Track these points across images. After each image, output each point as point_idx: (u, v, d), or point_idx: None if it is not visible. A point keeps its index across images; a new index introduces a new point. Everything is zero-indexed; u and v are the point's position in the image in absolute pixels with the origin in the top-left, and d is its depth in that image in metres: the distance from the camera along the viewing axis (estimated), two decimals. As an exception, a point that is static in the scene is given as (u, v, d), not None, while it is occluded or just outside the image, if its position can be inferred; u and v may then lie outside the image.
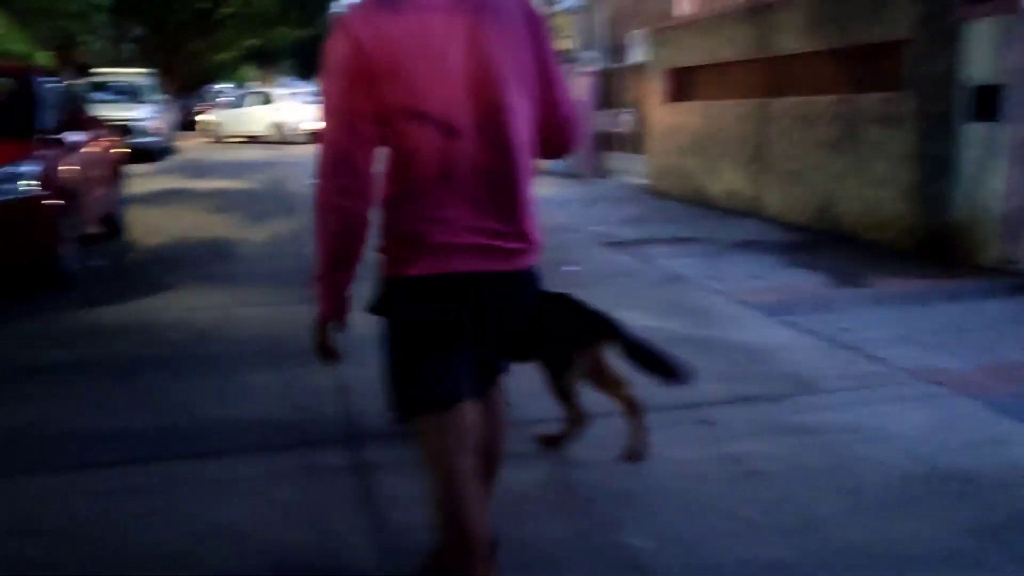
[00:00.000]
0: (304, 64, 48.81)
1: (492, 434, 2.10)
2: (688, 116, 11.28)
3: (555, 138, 2.01)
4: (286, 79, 68.35)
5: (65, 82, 8.69)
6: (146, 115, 18.68)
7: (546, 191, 12.90)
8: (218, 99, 35.78)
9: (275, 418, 3.74)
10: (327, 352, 1.95)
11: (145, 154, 18.62)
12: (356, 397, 3.87)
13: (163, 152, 19.17)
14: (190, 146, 23.57)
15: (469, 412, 1.93)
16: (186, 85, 42.88)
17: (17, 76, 7.08)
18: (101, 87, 19.70)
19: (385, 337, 1.92)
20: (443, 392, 1.88)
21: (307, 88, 60.05)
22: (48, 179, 5.94)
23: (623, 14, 20.16)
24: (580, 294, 3.37)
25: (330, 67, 1.78)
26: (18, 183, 5.58)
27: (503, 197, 1.87)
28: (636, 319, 5.29)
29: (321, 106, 1.82)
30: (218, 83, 57.44)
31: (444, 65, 1.76)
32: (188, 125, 38.81)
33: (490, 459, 2.11)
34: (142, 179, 14.28)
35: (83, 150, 7.16)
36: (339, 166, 1.79)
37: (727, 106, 10.30)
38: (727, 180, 10.29)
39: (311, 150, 3.09)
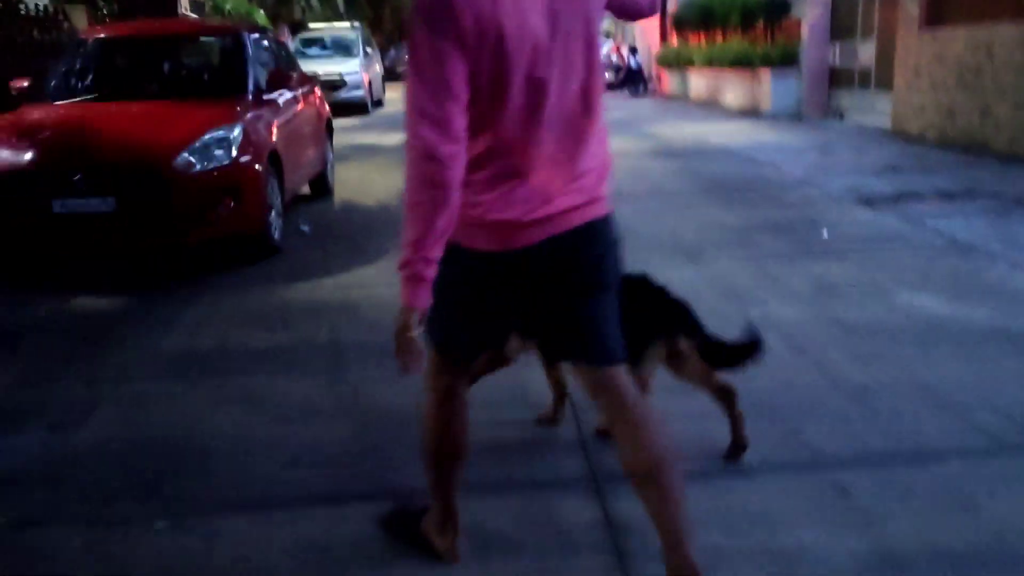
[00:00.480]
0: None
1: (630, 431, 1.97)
2: (951, 43, 9.60)
3: (631, 8, 2.03)
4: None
5: (278, 39, 8.55)
6: (355, 69, 18.85)
7: (769, 136, 11.86)
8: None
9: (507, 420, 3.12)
10: (411, 350, 1.81)
11: (354, 107, 18.90)
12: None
13: (371, 105, 19.34)
14: (396, 98, 23.82)
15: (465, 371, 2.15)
16: (391, 37, 43.93)
17: (227, 36, 6.89)
18: (312, 43, 20.13)
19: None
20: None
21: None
22: (258, 143, 5.66)
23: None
24: (841, 267, 2.50)
25: (422, 26, 1.69)
26: (225, 149, 5.29)
27: (586, 142, 1.87)
28: (925, 303, 4.30)
29: (410, 67, 1.73)
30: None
31: (535, 28, 1.73)
32: (394, 76, 39.91)
33: (651, 468, 1.94)
34: (350, 133, 14.32)
35: (294, 109, 6.90)
36: (442, 121, 1.71)
37: (1006, 30, 8.59)
38: (1006, 121, 8.65)
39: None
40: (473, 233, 1.85)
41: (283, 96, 6.53)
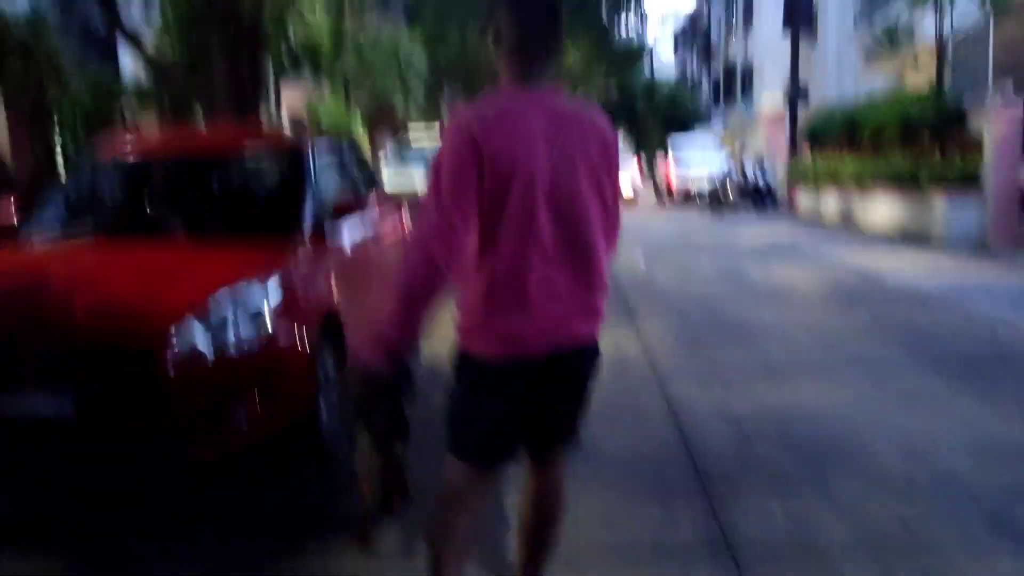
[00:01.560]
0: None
1: (549, 501, 2.39)
2: None
3: (607, 236, 2.25)
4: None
5: (374, 148, 6.78)
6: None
7: (965, 275, 9.47)
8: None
9: None
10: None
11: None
12: None
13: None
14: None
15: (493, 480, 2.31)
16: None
17: (281, 150, 5.16)
18: (410, 149, 18.93)
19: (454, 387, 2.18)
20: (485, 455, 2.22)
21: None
22: (307, 304, 3.83)
23: (1015, 44, 15.78)
24: None
25: (446, 150, 2.03)
26: (253, 318, 3.45)
27: (585, 273, 2.16)
28: None
29: (430, 182, 2.03)
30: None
31: (534, 158, 2.05)
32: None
33: (543, 520, 2.40)
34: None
35: (370, 248, 5.11)
36: (443, 223, 2.00)
37: None
38: None
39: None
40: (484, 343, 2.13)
41: (354, 230, 4.72)
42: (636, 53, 30.21)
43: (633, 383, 5.21)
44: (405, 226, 6.31)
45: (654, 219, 18.75)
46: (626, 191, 24.88)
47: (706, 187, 21.55)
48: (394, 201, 6.67)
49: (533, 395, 2.18)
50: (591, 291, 2.16)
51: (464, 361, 2.14)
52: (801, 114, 19.99)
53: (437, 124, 21.49)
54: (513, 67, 2.14)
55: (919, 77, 18.30)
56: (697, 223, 17.51)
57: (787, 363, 5.79)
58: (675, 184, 23.99)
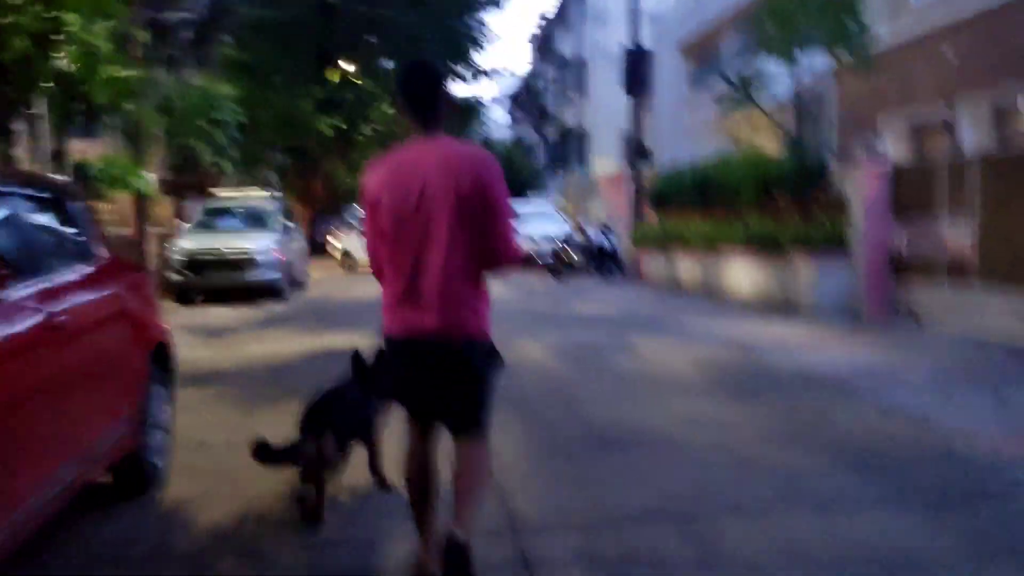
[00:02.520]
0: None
1: (460, 467, 3.04)
2: None
3: (487, 258, 3.03)
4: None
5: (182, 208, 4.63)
6: (268, 246, 15.16)
7: (853, 351, 8.06)
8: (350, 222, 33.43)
9: None
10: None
11: (266, 291, 15.08)
12: None
13: (288, 289, 15.52)
14: (322, 278, 20.11)
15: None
16: (324, 208, 41.03)
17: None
18: (219, 212, 16.49)
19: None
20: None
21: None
22: None
23: (860, 99, 15.48)
24: None
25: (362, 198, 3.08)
26: None
27: (439, 283, 2.93)
28: None
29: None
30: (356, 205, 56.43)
31: (401, 202, 2.91)
32: (321, 251, 36.57)
33: (455, 478, 3.05)
34: (246, 334, 10.37)
35: (51, 336, 2.99)
36: (372, 256, 3.12)
37: None
38: None
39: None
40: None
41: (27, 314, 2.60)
42: (473, 109, 28.98)
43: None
44: (140, 301, 4.19)
45: (492, 285, 17.09)
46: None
47: (547, 251, 20.22)
48: (128, 265, 4.55)
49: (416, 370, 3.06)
50: (448, 294, 2.93)
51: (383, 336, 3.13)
52: (646, 175, 19.14)
53: (261, 188, 19.09)
54: (412, 125, 3.01)
55: (761, 138, 17.85)
56: (540, 290, 16.00)
57: (691, 493, 4.04)
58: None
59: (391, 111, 29.96)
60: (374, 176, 2.98)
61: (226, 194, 17.46)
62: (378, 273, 3.07)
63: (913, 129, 14.64)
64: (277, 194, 18.08)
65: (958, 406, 5.82)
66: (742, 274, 12.70)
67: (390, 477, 4.00)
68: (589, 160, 38.53)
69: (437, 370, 2.99)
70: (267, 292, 15.14)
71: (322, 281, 19.71)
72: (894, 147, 14.40)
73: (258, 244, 15.08)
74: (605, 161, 36.89)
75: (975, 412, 5.62)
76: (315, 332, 10.54)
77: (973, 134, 12.87)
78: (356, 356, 4.20)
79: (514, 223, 3.04)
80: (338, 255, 26.17)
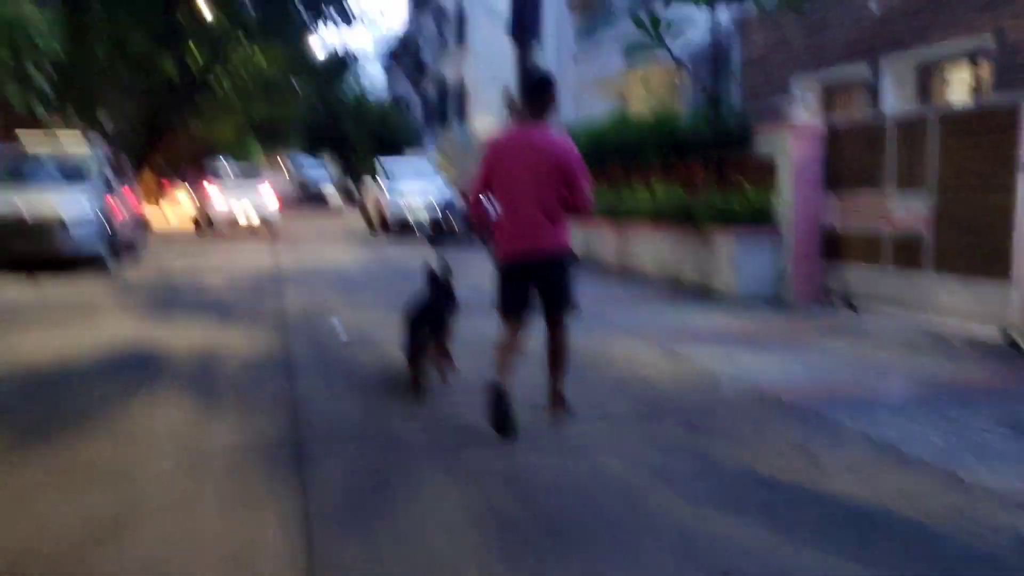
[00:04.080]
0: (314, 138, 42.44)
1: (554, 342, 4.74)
2: None
3: (571, 205, 4.56)
4: (295, 154, 62.92)
5: None
6: (83, 206, 12.50)
7: (792, 352, 6.55)
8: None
9: None
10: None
11: (83, 262, 12.47)
12: None
13: (109, 259, 12.92)
14: (167, 243, 17.39)
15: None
16: (177, 161, 37.32)
17: None
18: (19, 163, 13.56)
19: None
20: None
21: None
22: None
23: (768, 57, 14.13)
24: None
25: (482, 157, 4.70)
26: None
27: (529, 222, 4.51)
28: None
29: (475, 175, 4.75)
30: (220, 158, 52.13)
31: (517, 169, 4.50)
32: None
33: (552, 352, 4.77)
34: (34, 322, 7.98)
35: None
36: (474, 192, 4.72)
37: None
38: None
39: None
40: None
41: None
42: (341, 64, 26.28)
43: None
44: None
45: (366, 255, 15.02)
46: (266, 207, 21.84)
47: (426, 217, 18.20)
48: None
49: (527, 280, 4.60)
50: (547, 227, 4.50)
51: (496, 263, 4.66)
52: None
53: (81, 133, 16.09)
54: (525, 113, 4.65)
55: (660, 98, 16.29)
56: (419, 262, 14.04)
57: None
58: (388, 214, 20.42)
59: (255, 59, 26.92)
60: (497, 144, 4.66)
61: (32, 139, 14.48)
62: (481, 216, 4.74)
63: (826, 90, 13.40)
64: (100, 140, 15.16)
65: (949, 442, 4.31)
66: (650, 250, 11.11)
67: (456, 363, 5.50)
68: (469, 117, 36.45)
69: (545, 273, 4.58)
70: (85, 264, 12.54)
71: (166, 248, 17.01)
72: (806, 109, 13.12)
73: (70, 204, 12.39)
74: (486, 118, 34.91)
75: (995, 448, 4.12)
76: (135, 319, 8.26)
77: (895, 96, 11.68)
78: (432, 273, 5.64)
79: (585, 182, 4.57)
80: (192, 215, 23.37)
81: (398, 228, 19.89)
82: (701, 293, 9.52)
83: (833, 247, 8.68)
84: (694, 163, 10.51)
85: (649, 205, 10.76)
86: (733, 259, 9.15)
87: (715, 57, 10.11)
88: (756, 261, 9.03)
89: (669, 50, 10.34)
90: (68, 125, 24.32)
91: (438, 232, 16.47)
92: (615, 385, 5.68)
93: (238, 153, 56.33)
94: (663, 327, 7.68)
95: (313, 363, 6.41)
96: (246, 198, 21.91)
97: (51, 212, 12.11)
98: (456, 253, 16.03)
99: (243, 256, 15.20)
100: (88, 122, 26.04)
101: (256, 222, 21.69)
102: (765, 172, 9.19)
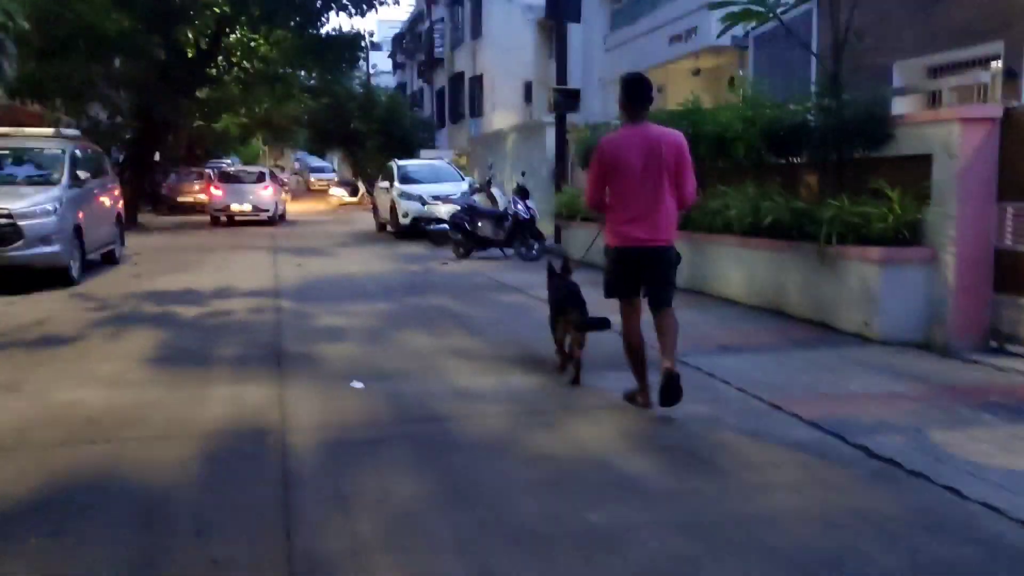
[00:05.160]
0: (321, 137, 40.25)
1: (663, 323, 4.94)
2: None
3: (682, 198, 4.91)
4: (300, 153, 60.85)
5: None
6: (41, 206, 10.43)
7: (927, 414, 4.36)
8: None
9: None
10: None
11: (46, 275, 10.42)
12: None
13: (79, 268, 10.84)
14: (160, 247, 15.25)
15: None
16: (174, 158, 35.22)
17: None
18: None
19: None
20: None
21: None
22: None
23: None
24: None
25: (594, 160, 5.03)
26: None
27: (648, 214, 4.83)
28: None
29: (590, 175, 5.13)
30: (225, 156, 50.05)
31: (635, 163, 4.80)
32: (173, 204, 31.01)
33: (662, 331, 4.92)
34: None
35: None
36: (593, 190, 5.07)
37: None
38: None
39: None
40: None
41: None
42: (351, 42, 24.10)
43: None
44: None
45: (381, 265, 12.85)
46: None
47: (444, 218, 16.06)
48: None
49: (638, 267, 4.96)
50: (662, 220, 4.84)
51: (609, 250, 5.05)
52: (574, 129, 15.17)
53: (54, 128, 13.90)
54: (629, 114, 4.91)
55: (715, 91, 14.09)
56: (434, 273, 11.88)
57: None
58: (402, 215, 18.29)
59: (259, 46, 24.74)
60: (611, 146, 4.91)
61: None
62: (599, 207, 5.07)
63: (934, 76, 11.20)
64: (72, 134, 13.00)
65: None
66: (738, 270, 8.92)
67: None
68: (484, 111, 34.27)
69: (656, 263, 4.89)
70: (45, 275, 10.46)
71: (157, 255, 14.86)
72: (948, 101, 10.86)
73: (25, 204, 10.29)
74: (503, 113, 32.79)
75: None
76: (57, 376, 6.09)
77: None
78: (552, 269, 6.40)
79: (692, 175, 4.93)
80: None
81: (405, 229, 17.80)
82: (817, 331, 7.31)
83: (1010, 276, 6.50)
84: (806, 163, 8.32)
85: (740, 214, 8.55)
86: (873, 289, 6.96)
87: (835, 28, 7.85)
88: (904, 293, 6.84)
89: (780, 19, 8.13)
90: (52, 118, 22.28)
91: (466, 239, 14.28)
92: None
93: (242, 152, 54.40)
94: (808, 393, 5.49)
95: (331, 500, 4.15)
96: (255, 196, 24.01)
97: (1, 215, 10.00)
98: (481, 260, 13.97)
99: (239, 267, 13.05)
100: (75, 115, 23.97)
101: (266, 216, 23.91)
102: (910, 175, 7.00)
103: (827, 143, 7.76)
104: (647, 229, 4.79)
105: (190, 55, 22.77)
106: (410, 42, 48.26)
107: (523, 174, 16.30)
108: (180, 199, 31.17)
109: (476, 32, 35.03)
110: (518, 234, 13.88)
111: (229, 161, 45.09)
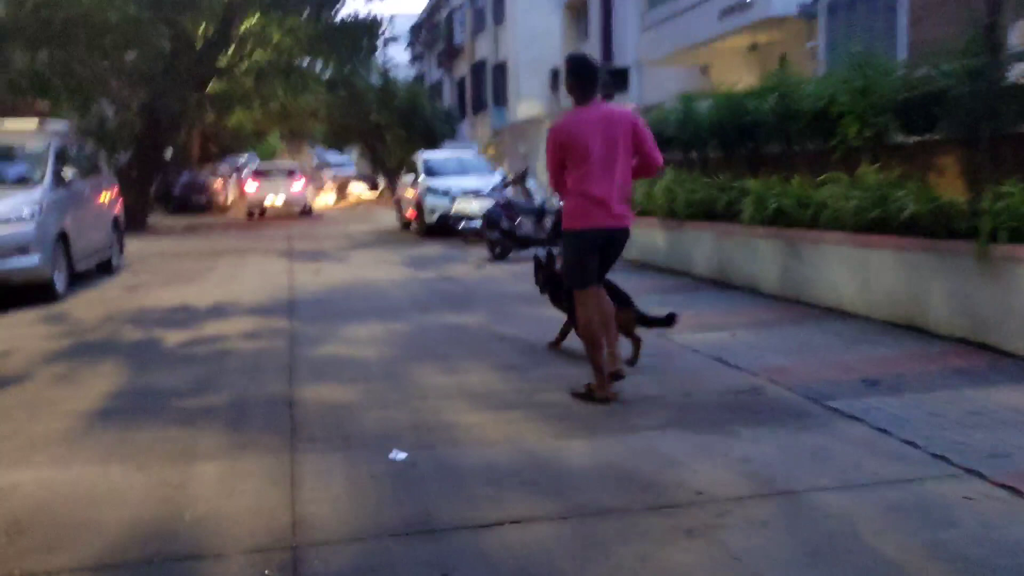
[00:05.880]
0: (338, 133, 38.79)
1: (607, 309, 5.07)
2: None
3: (646, 168, 4.97)
4: (319, 149, 59.62)
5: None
6: (17, 210, 9.00)
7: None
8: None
9: None
10: None
11: (24, 290, 8.98)
12: None
13: (63, 282, 9.38)
14: (168, 251, 13.79)
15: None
16: (185, 155, 33.89)
17: None
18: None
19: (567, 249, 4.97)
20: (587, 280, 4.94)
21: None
22: None
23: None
24: None
25: (549, 142, 4.87)
26: None
27: (612, 192, 4.75)
28: None
29: (549, 155, 4.92)
30: (240, 153, 48.64)
31: (592, 145, 4.70)
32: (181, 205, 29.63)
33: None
34: None
35: None
36: (554, 175, 4.93)
37: None
38: None
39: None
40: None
41: None
42: (368, 29, 22.52)
43: None
44: None
45: (407, 272, 11.30)
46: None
47: (477, 215, 14.53)
48: None
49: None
50: (622, 200, 4.81)
51: (572, 235, 4.88)
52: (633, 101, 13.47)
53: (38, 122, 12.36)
54: (577, 96, 4.79)
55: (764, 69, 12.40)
56: (471, 277, 10.32)
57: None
58: (428, 212, 16.78)
59: (272, 33, 23.17)
60: (563, 128, 4.78)
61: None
62: (561, 189, 4.92)
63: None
64: (59, 126, 11.49)
65: None
66: (851, 274, 7.26)
67: None
68: (508, 100, 32.63)
69: (619, 245, 4.92)
70: (24, 289, 9.02)
71: (161, 261, 13.41)
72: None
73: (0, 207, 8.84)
74: (529, 102, 31.16)
75: None
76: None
77: None
78: (540, 261, 6.55)
79: (652, 141, 4.91)
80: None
81: (438, 226, 16.25)
82: (979, 356, 5.66)
83: None
84: (942, 140, 6.68)
85: (860, 206, 6.89)
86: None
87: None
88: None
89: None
90: (54, 112, 20.92)
91: (504, 238, 12.73)
92: None
93: (260, 148, 52.99)
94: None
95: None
96: (287, 191, 25.93)
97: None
98: (520, 262, 12.36)
99: (250, 274, 11.56)
100: (81, 112, 22.61)
101: (298, 210, 25.96)
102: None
103: (978, 114, 6.09)
104: (610, 211, 4.77)
105: (198, 45, 21.26)
106: (428, 31, 46.68)
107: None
108: (193, 198, 29.83)
109: (499, 17, 33.39)
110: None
111: (244, 158, 43.75)
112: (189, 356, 6.51)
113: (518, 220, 12.85)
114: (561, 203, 5.19)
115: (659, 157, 4.89)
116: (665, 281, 9.74)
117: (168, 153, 26.94)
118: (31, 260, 8.87)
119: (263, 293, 9.68)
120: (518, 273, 10.96)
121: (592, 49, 23.24)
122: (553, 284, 6.24)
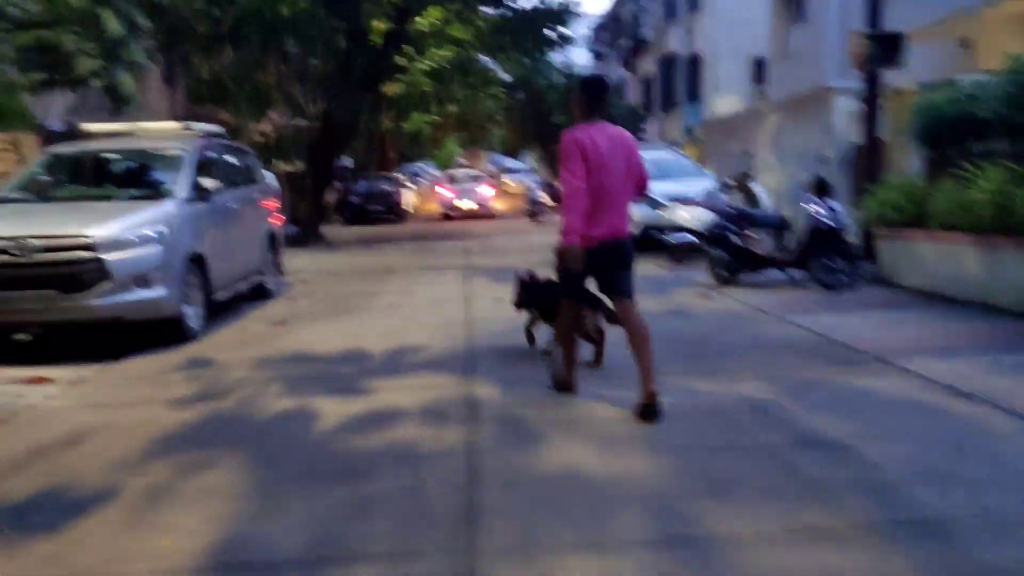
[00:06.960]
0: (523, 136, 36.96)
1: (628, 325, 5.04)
2: None
3: (639, 189, 5.13)
4: (496, 156, 58.24)
5: None
6: (138, 231, 7.20)
7: None
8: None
9: None
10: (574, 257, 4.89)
11: (153, 331, 7.17)
12: None
13: (189, 318, 7.54)
14: (333, 267, 12.02)
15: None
16: (364, 162, 33.07)
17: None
18: (71, 167, 8.48)
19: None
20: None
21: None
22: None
23: None
24: None
25: (568, 153, 4.88)
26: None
27: (618, 207, 4.97)
28: None
29: (566, 170, 4.88)
30: (418, 160, 48.07)
31: (609, 161, 4.90)
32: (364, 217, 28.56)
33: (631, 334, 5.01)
34: None
35: None
36: (578, 182, 4.84)
37: None
38: None
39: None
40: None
41: None
42: (557, 17, 20.21)
43: None
44: None
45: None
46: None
47: (690, 225, 11.85)
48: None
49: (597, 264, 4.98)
50: (623, 214, 4.99)
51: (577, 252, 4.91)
52: (888, 97, 10.50)
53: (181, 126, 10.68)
54: (586, 113, 4.99)
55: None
56: (721, 316, 7.66)
57: None
58: (638, 226, 14.16)
59: (451, 30, 21.40)
60: (591, 140, 4.86)
61: (109, 130, 9.34)
62: (579, 198, 4.83)
63: None
64: (205, 129, 9.73)
65: None
66: None
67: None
68: (702, 95, 29.53)
69: (619, 256, 5.01)
70: (153, 335, 7.25)
71: (326, 280, 11.61)
72: None
73: (114, 229, 7.03)
74: (726, 96, 27.95)
75: None
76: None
77: None
78: (523, 281, 6.44)
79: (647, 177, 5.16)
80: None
81: (640, 239, 13.61)
82: None
83: None
84: None
85: None
86: None
87: None
88: None
89: None
90: (237, 120, 20.12)
91: (742, 260, 9.96)
92: None
93: (438, 156, 52.34)
94: None
95: None
96: (477, 195, 29.48)
97: (74, 243, 6.80)
98: (768, 290, 9.62)
99: (421, 301, 9.46)
100: (258, 118, 21.80)
101: (486, 211, 28.89)
102: None
103: None
104: (615, 222, 4.94)
105: (374, 42, 19.70)
106: (612, 28, 44.16)
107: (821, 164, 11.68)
108: (370, 208, 28.69)
109: (693, 4, 30.33)
110: (816, 250, 9.33)
111: (421, 165, 42.95)
112: (346, 449, 4.26)
113: (752, 234, 10.03)
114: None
115: (647, 181, 5.17)
116: (996, 324, 6.68)
117: (347, 161, 25.90)
118: (154, 292, 7.05)
119: (435, 330, 7.46)
120: (765, 306, 8.19)
121: (809, 32, 19.92)
122: (541, 300, 6.23)
